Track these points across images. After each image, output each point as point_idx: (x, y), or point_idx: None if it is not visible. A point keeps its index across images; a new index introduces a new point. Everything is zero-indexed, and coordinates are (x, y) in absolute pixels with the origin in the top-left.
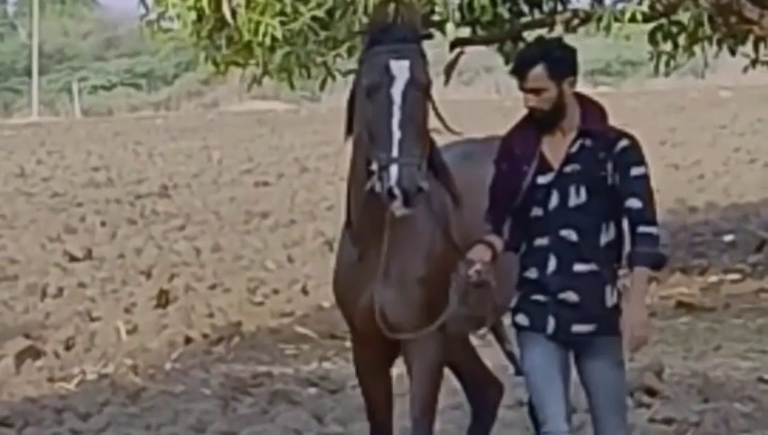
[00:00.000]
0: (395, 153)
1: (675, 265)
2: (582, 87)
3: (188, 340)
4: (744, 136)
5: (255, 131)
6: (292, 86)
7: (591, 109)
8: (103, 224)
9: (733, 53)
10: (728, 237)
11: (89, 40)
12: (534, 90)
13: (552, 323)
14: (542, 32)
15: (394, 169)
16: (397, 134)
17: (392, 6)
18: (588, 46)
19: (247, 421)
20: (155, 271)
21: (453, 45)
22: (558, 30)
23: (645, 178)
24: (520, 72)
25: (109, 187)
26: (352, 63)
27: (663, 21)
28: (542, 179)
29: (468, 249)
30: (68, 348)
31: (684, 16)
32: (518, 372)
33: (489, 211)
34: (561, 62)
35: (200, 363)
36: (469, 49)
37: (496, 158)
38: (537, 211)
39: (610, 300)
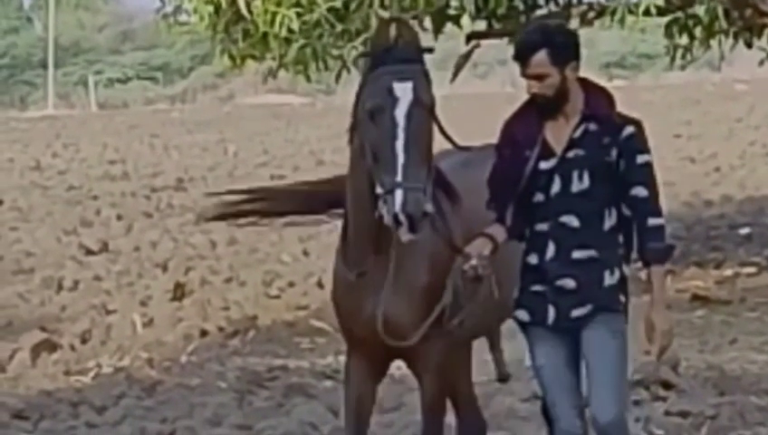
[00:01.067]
0: (399, 178)
1: (690, 259)
2: (598, 80)
3: (204, 333)
4: (760, 129)
5: (271, 124)
6: (308, 79)
7: (597, 94)
8: (119, 217)
9: (749, 46)
10: (744, 231)
11: (104, 33)
12: (537, 76)
13: (551, 313)
14: None
15: (399, 195)
16: (401, 158)
17: (393, 27)
18: (603, 39)
19: (263, 415)
20: (171, 264)
21: (468, 38)
22: (573, 23)
23: (650, 165)
24: (522, 58)
25: (124, 180)
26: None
27: (679, 14)
28: (544, 165)
29: (468, 242)
30: (84, 341)
31: (700, 9)
32: (501, 378)
33: (491, 198)
34: (564, 47)
35: (216, 357)
36: (484, 42)
37: (498, 143)
38: (539, 197)
39: (609, 280)
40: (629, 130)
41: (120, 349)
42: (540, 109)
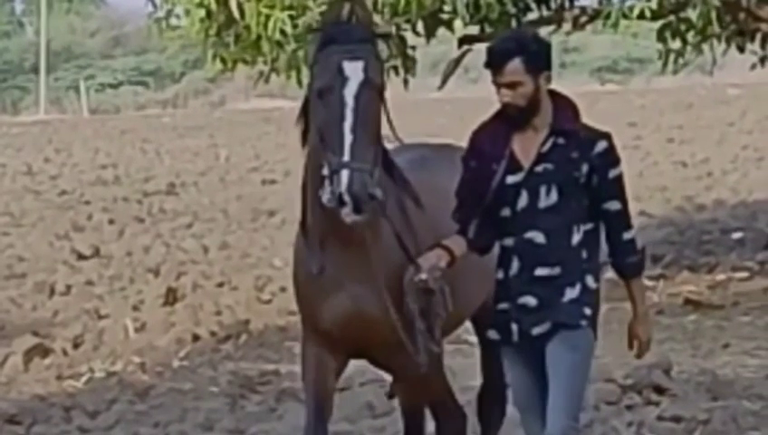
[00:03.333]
0: (346, 157)
1: (683, 263)
2: (590, 85)
3: (196, 338)
4: (752, 134)
5: (262, 129)
6: (299, 83)
7: (564, 106)
8: (111, 222)
9: (741, 50)
10: (736, 235)
11: (96, 38)
12: (510, 84)
13: (515, 331)
14: (550, 29)
15: (345, 175)
16: (348, 138)
17: (346, 6)
18: (595, 43)
19: (255, 419)
20: (163, 269)
21: (461, 42)
22: (566, 27)
23: (621, 177)
24: (496, 65)
25: (116, 185)
26: None
27: (671, 18)
28: (511, 179)
29: (425, 252)
30: (76, 346)
31: (692, 13)
32: None
33: (456, 210)
34: (538, 55)
35: (208, 361)
36: (476, 46)
37: (465, 155)
38: (505, 211)
39: (570, 294)
40: (602, 145)
41: (112, 354)
42: (509, 120)
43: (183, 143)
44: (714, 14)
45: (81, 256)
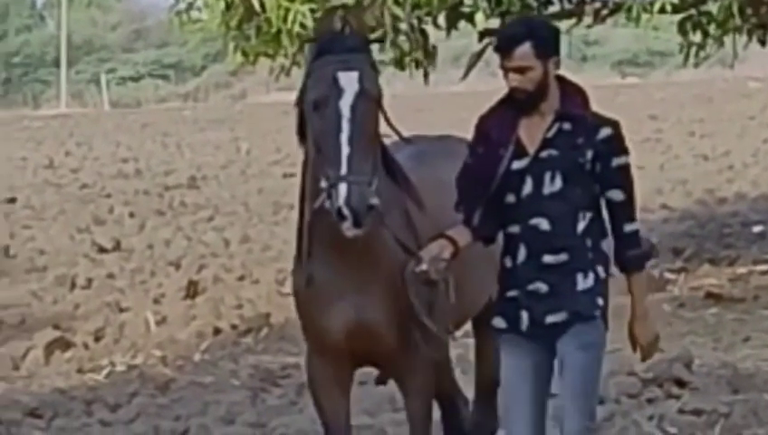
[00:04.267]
0: (344, 171)
1: (704, 256)
2: (610, 78)
3: (217, 331)
4: None
5: (283, 122)
6: None
7: (572, 92)
8: (132, 215)
9: (763, 43)
10: (757, 228)
11: (117, 31)
12: (519, 69)
13: (525, 319)
14: (571, 22)
15: (343, 188)
16: (345, 150)
17: (339, 15)
18: (616, 37)
19: (276, 412)
20: (184, 262)
21: (482, 36)
22: (587, 20)
23: (627, 168)
24: (506, 49)
25: (137, 178)
26: (379, 54)
27: (693, 11)
28: (516, 165)
29: (427, 244)
30: (97, 339)
31: (713, 6)
32: None
33: (460, 198)
34: (548, 40)
35: (229, 355)
36: None
37: (472, 141)
38: (510, 198)
39: (582, 284)
40: (606, 131)
41: (133, 347)
42: (516, 106)
43: (204, 136)
44: (735, 7)
45: (102, 250)
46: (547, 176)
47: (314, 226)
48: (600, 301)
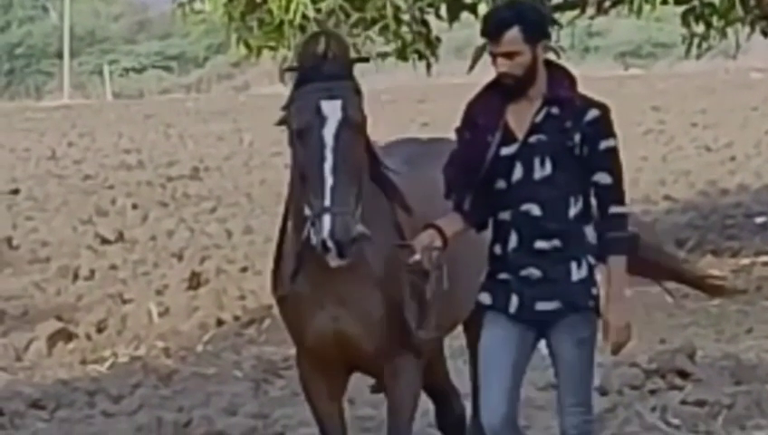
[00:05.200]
0: (327, 202)
1: (706, 248)
2: (613, 69)
3: (220, 322)
4: None
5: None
6: None
7: (559, 75)
8: (135, 206)
9: (765, 34)
10: (760, 219)
11: (120, 22)
12: (508, 54)
13: (514, 302)
14: (574, 13)
15: (327, 220)
16: (329, 180)
17: (322, 40)
18: (619, 28)
19: (279, 403)
20: (186, 253)
21: None
22: (589, 11)
23: (615, 151)
24: (494, 34)
25: (140, 169)
26: (381, 46)
27: (695, 3)
28: (505, 150)
29: (417, 234)
30: (100, 330)
31: None
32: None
33: (450, 185)
34: (536, 24)
35: (232, 346)
36: None
37: (459, 127)
38: (501, 184)
39: (577, 274)
40: (593, 113)
41: (136, 338)
42: (504, 91)
43: (207, 128)
44: None
45: (104, 241)
46: (536, 161)
47: (302, 251)
48: (595, 291)
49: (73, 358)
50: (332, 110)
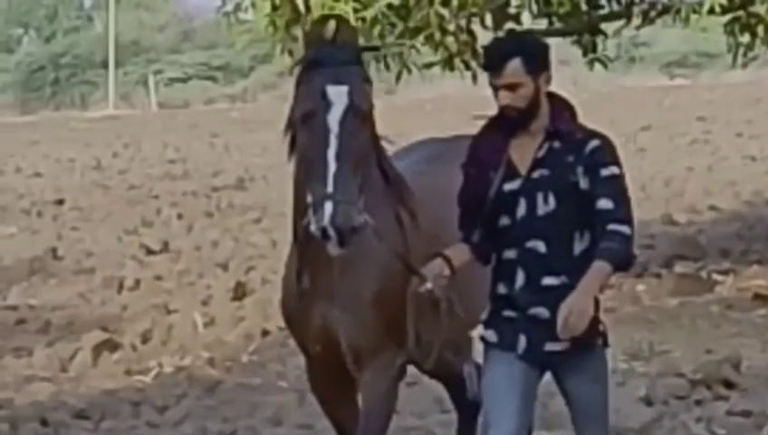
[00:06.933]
0: (330, 189)
1: (752, 258)
2: (659, 79)
3: (265, 332)
4: None
5: None
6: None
7: (560, 108)
8: (180, 216)
9: None
10: None
11: (165, 32)
12: (510, 86)
13: (522, 342)
14: (620, 23)
15: (328, 207)
16: (332, 167)
17: (330, 24)
18: (664, 38)
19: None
20: (231, 263)
21: None
22: (635, 21)
23: (617, 178)
24: (495, 66)
25: (185, 179)
26: (427, 56)
27: (740, 12)
28: (508, 186)
29: (426, 263)
30: (145, 341)
31: (761, 8)
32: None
33: (460, 217)
34: (538, 55)
35: (277, 356)
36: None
37: (464, 163)
38: (505, 220)
39: None
40: (594, 144)
41: (181, 348)
42: (508, 124)
43: (252, 138)
44: None
45: (149, 251)
46: (540, 196)
47: (305, 242)
48: (602, 327)
49: (118, 369)
50: (338, 95)
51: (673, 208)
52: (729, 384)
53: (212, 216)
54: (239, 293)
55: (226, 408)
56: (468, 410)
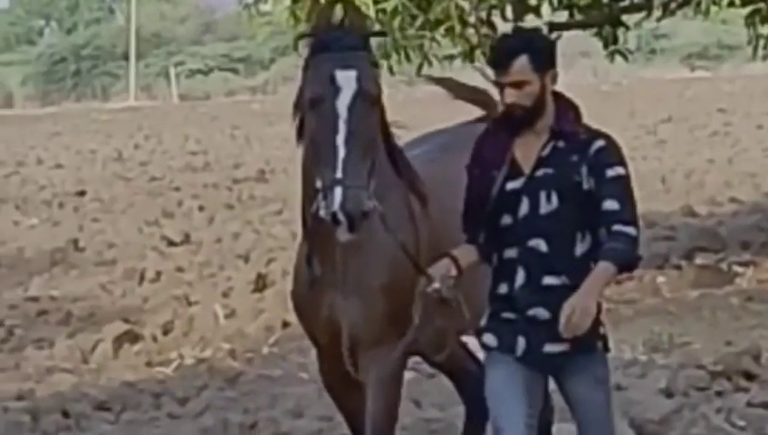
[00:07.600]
0: (339, 174)
1: None
2: (679, 71)
3: (286, 324)
4: None
5: None
6: (391, 71)
7: (565, 107)
8: (201, 208)
9: None
10: None
11: (186, 24)
12: (516, 83)
13: (521, 344)
14: (640, 15)
15: (338, 192)
16: (341, 152)
17: (339, 9)
18: (685, 30)
19: None
20: (252, 255)
21: (550, 29)
22: (656, 13)
23: (622, 178)
24: (501, 64)
25: (206, 171)
26: (448, 48)
27: (761, 4)
28: (511, 185)
29: (433, 262)
30: (166, 332)
31: None
32: None
33: (464, 218)
34: (545, 53)
35: (298, 348)
36: (566, 33)
37: (468, 163)
38: (507, 219)
39: None
40: (598, 144)
41: (202, 340)
42: (513, 123)
43: (273, 130)
44: None
45: (170, 243)
46: (543, 195)
47: (313, 229)
48: (602, 330)
49: (139, 360)
50: (347, 80)
51: (693, 200)
52: (749, 376)
53: (233, 208)
54: (260, 284)
55: (247, 399)
56: (475, 403)
